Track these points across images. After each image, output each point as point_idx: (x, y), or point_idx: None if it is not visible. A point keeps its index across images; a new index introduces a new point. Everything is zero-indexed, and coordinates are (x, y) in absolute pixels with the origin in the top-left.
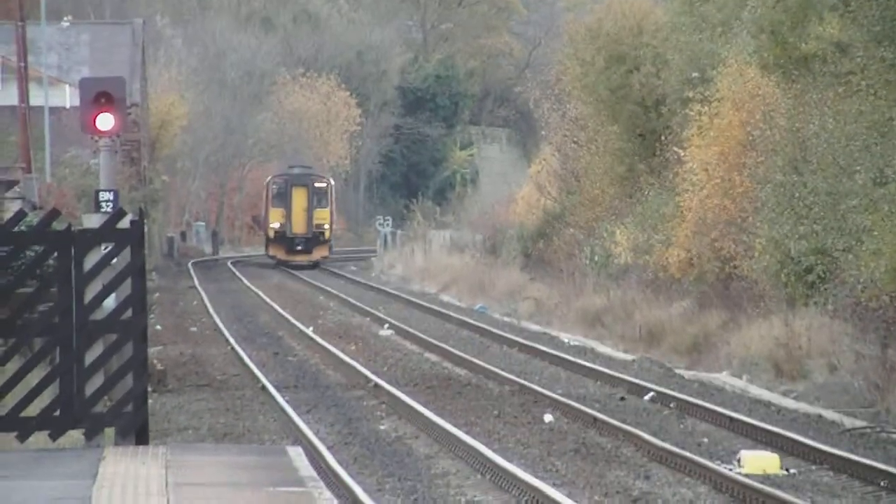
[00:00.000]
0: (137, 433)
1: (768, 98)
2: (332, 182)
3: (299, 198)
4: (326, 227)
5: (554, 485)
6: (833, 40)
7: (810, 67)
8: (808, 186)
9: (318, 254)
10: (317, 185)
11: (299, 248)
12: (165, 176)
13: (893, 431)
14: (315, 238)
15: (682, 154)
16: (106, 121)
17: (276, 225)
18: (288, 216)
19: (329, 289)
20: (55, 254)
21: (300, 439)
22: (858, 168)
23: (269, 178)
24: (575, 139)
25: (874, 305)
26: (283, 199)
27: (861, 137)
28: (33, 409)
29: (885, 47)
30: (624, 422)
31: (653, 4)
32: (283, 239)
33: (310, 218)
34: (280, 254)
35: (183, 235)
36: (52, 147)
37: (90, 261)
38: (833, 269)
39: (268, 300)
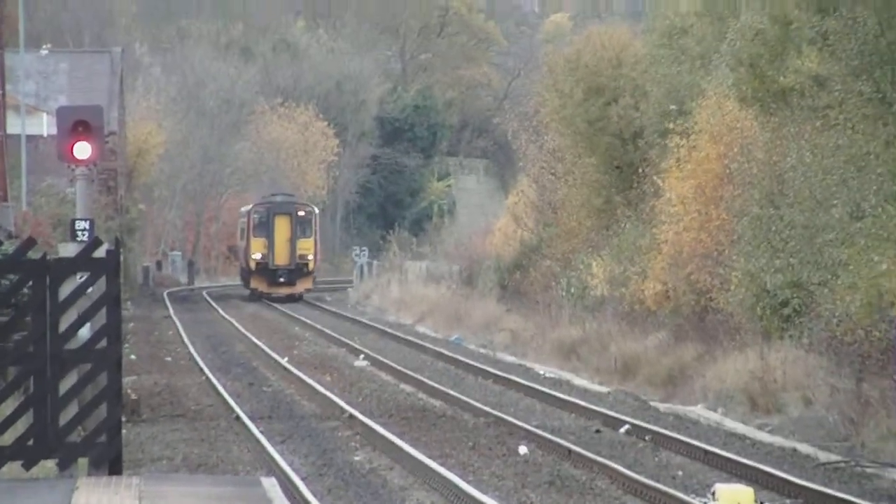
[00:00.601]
0: (111, 463)
1: (746, 131)
2: (317, 211)
3: (282, 227)
4: (310, 257)
5: None
6: (811, 74)
7: (788, 101)
8: (785, 220)
9: (302, 286)
10: (300, 213)
11: (282, 279)
12: (142, 205)
13: (868, 466)
14: (298, 269)
15: (660, 186)
16: (83, 149)
17: (257, 256)
18: (270, 246)
19: (304, 319)
20: (30, 283)
21: (274, 470)
22: (835, 202)
23: (250, 206)
24: (552, 171)
25: (849, 339)
26: (264, 228)
27: (838, 171)
28: (7, 439)
29: (862, 81)
30: (599, 454)
31: (632, 37)
32: (264, 270)
33: (293, 248)
34: (262, 286)
35: (159, 265)
36: (28, 175)
37: (65, 290)
38: (809, 303)
39: (243, 330)
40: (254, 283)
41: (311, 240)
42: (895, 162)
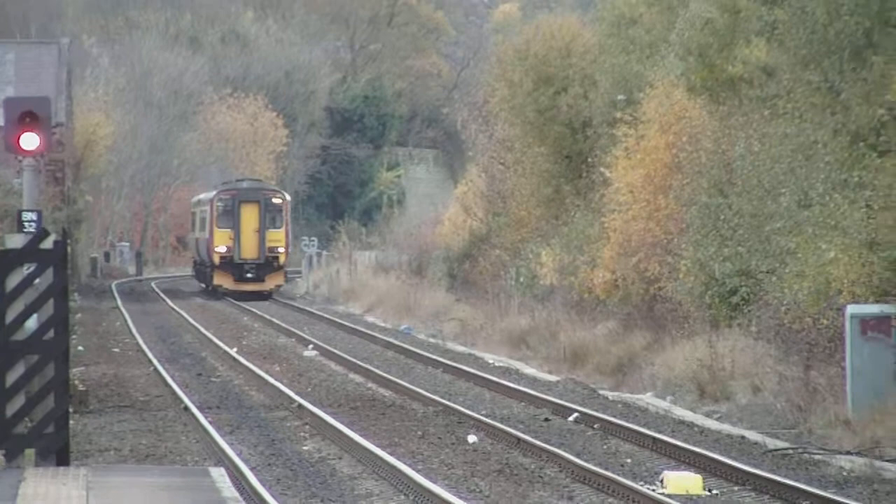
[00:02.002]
0: (58, 454)
1: (695, 120)
2: (288, 197)
3: (249, 217)
4: (281, 250)
5: None
6: (759, 63)
7: (737, 90)
8: (733, 208)
9: (272, 282)
10: (270, 201)
11: (249, 275)
12: (90, 196)
13: (815, 452)
14: (268, 264)
15: (609, 173)
16: (30, 140)
17: (221, 249)
18: (236, 238)
19: (253, 309)
20: None
21: (223, 460)
22: (783, 191)
23: (213, 193)
24: (502, 160)
25: (797, 327)
26: (230, 218)
27: (786, 160)
28: None
29: (810, 71)
30: (548, 442)
31: (581, 26)
32: (229, 265)
33: (262, 240)
34: (227, 283)
35: (107, 256)
36: None
37: (12, 281)
38: (757, 291)
39: (191, 320)
40: (217, 280)
41: (282, 231)
42: (843, 151)
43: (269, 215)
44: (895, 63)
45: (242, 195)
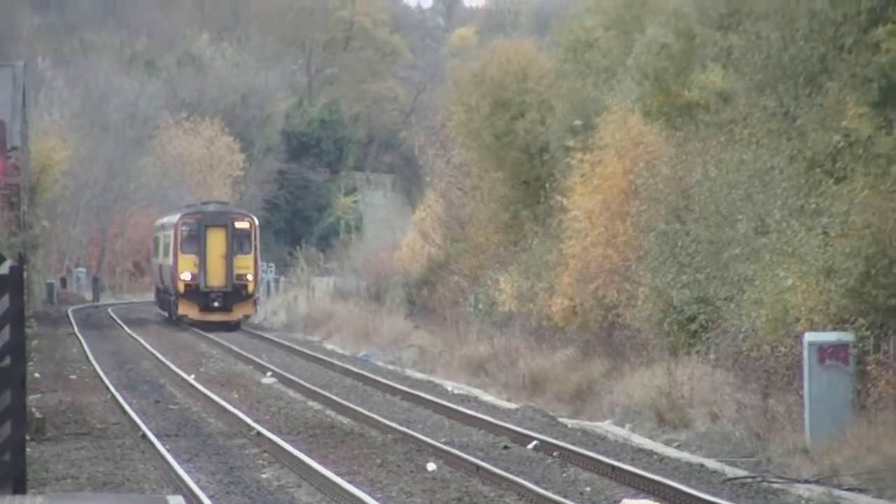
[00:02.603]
0: (15, 482)
1: (651, 146)
2: (257, 221)
3: (216, 242)
4: (250, 277)
5: None
6: (716, 89)
7: (693, 115)
8: (691, 235)
9: (240, 312)
10: (237, 225)
11: (216, 304)
12: (46, 221)
13: (774, 481)
14: (236, 292)
15: (566, 202)
16: None
17: (186, 276)
18: (202, 265)
19: (211, 336)
20: None
21: (181, 488)
22: (740, 217)
23: (177, 216)
24: (459, 186)
25: (755, 355)
26: (195, 242)
27: (743, 186)
28: None
29: (766, 96)
30: (507, 470)
31: (537, 51)
32: (195, 294)
33: (229, 267)
34: (192, 312)
35: (63, 282)
36: None
37: None
38: (715, 318)
39: (149, 347)
40: (182, 309)
41: (251, 257)
42: (799, 177)
43: (237, 240)
44: (850, 89)
45: (208, 219)
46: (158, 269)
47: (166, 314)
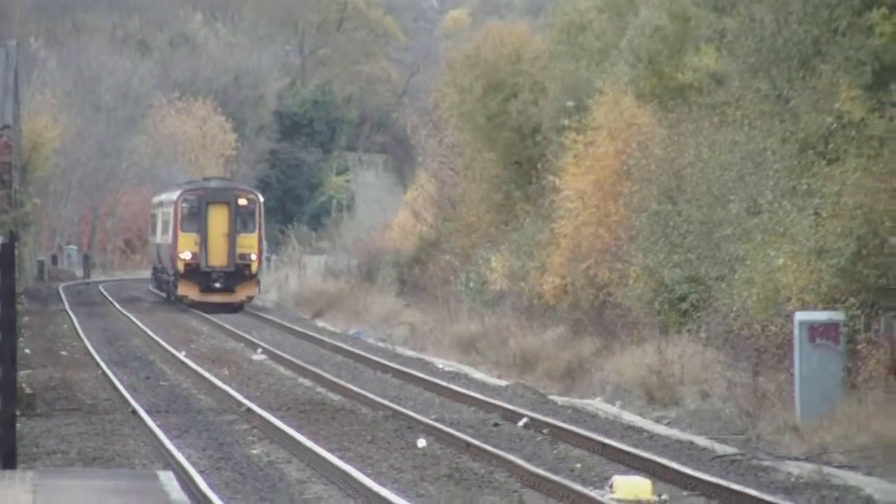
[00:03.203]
0: (5, 457)
1: (644, 127)
2: (261, 198)
3: (218, 219)
4: (253, 257)
5: None
6: (709, 71)
7: (686, 97)
8: (683, 215)
9: (243, 293)
10: (241, 201)
11: (217, 285)
12: (37, 199)
13: (764, 458)
14: (238, 272)
15: (558, 182)
16: None
17: (186, 255)
18: (203, 244)
19: (202, 313)
20: None
21: (171, 463)
22: (732, 198)
23: (177, 193)
24: (451, 166)
25: (746, 333)
26: (195, 220)
27: (735, 167)
28: None
29: (759, 78)
30: (497, 447)
31: (531, 33)
32: (195, 274)
33: (232, 246)
34: (192, 293)
35: (54, 259)
36: None
37: None
38: (706, 298)
39: (139, 324)
40: (182, 290)
41: (255, 235)
42: (791, 158)
43: (241, 218)
44: (843, 71)
45: (210, 195)
46: (156, 248)
47: (164, 295)
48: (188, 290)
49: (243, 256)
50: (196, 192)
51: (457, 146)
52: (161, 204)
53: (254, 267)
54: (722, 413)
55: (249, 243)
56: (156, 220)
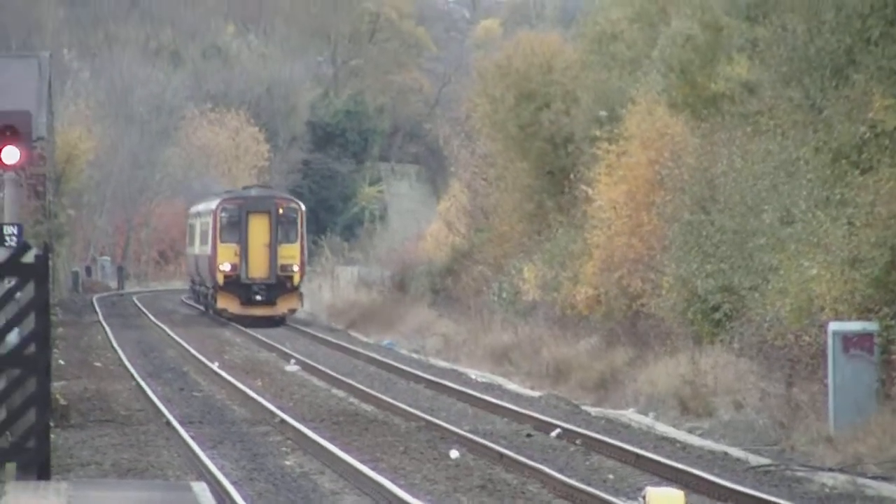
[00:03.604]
0: (39, 468)
1: (677, 137)
2: (303, 207)
3: (259, 229)
4: (296, 268)
5: None
6: (741, 80)
7: (719, 107)
8: (716, 225)
9: (285, 305)
10: (282, 210)
11: (259, 298)
12: (71, 210)
13: (798, 469)
14: (280, 284)
15: (590, 192)
16: (11, 154)
17: (226, 267)
18: (243, 255)
19: (235, 324)
20: None
21: (205, 474)
22: (765, 207)
23: (216, 202)
24: (484, 176)
25: (779, 344)
26: (236, 230)
27: (768, 177)
28: None
29: (792, 88)
30: (530, 458)
31: (562, 42)
32: (235, 286)
33: (273, 257)
34: (232, 306)
35: (88, 270)
36: None
37: None
38: (739, 308)
39: (173, 335)
40: (221, 303)
41: (297, 245)
42: (825, 168)
43: (282, 228)
44: (876, 81)
45: (251, 204)
46: (194, 259)
47: (202, 308)
48: (228, 304)
49: (285, 268)
50: (236, 200)
51: (489, 156)
52: (199, 214)
53: (296, 279)
54: (755, 424)
55: (291, 254)
56: (193, 231)
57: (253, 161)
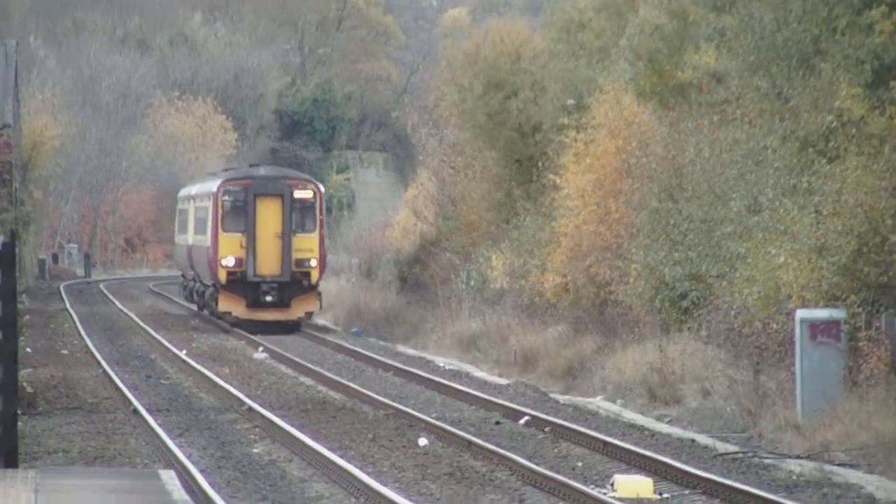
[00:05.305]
0: (6, 456)
1: (644, 125)
2: (321, 189)
3: (269, 216)
4: (313, 263)
5: None
6: (709, 69)
7: (686, 96)
8: (684, 213)
9: (301, 308)
10: (297, 193)
11: (269, 299)
12: (39, 193)
13: (765, 456)
14: (295, 283)
15: (558, 180)
16: None
17: (229, 262)
18: (250, 247)
19: (204, 313)
20: None
21: (173, 462)
22: (733, 196)
23: (216, 183)
24: (452, 164)
25: (747, 331)
26: (241, 217)
27: (736, 165)
28: None
29: (759, 77)
30: (499, 445)
31: (530, 31)
32: (241, 285)
33: (286, 249)
34: (237, 309)
35: (55, 258)
36: None
37: None
38: (707, 295)
39: (141, 323)
40: (224, 305)
41: (315, 235)
42: (792, 157)
43: (297, 214)
44: (843, 70)
45: (259, 186)
46: (187, 251)
47: (195, 308)
48: (232, 306)
49: (301, 262)
50: (241, 181)
51: (457, 145)
52: (193, 197)
53: (314, 276)
54: (723, 411)
55: (308, 246)
56: (186, 217)
57: (220, 149)
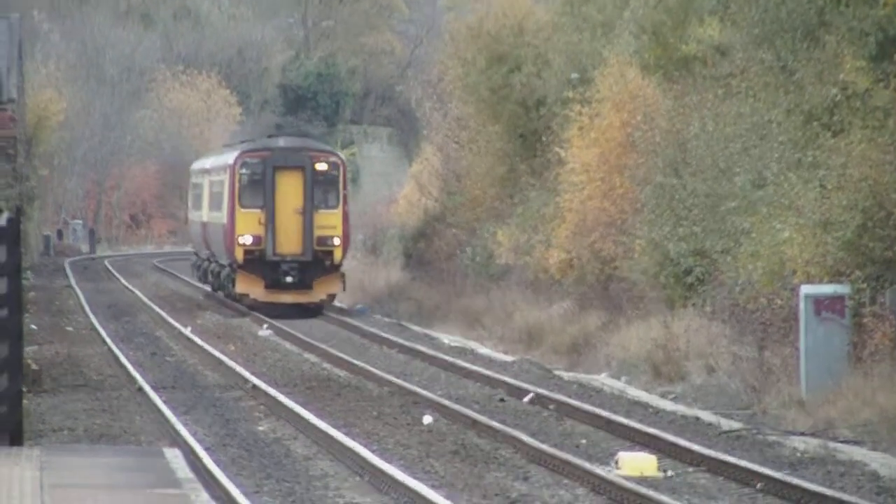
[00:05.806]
0: (11, 434)
1: (649, 99)
2: (344, 159)
3: (290, 190)
4: (337, 241)
5: (432, 486)
6: (713, 42)
7: (690, 69)
8: (688, 188)
9: (323, 290)
10: (320, 165)
11: (289, 279)
12: (44, 170)
13: (769, 433)
14: (317, 262)
15: (563, 155)
16: None
17: (246, 240)
18: (270, 224)
19: (208, 288)
20: None
21: (177, 440)
22: (737, 170)
23: (234, 154)
24: (456, 139)
25: (752, 307)
26: (259, 192)
27: (740, 139)
28: None
29: (763, 50)
30: (503, 423)
31: (534, 4)
32: (259, 264)
33: (308, 226)
34: (255, 291)
35: (59, 234)
36: None
37: None
38: (711, 271)
39: (145, 300)
40: (241, 286)
41: (338, 211)
42: (796, 130)
43: (320, 188)
44: (847, 42)
45: (279, 158)
46: (200, 228)
47: (209, 289)
48: (249, 287)
49: (323, 241)
50: (259, 153)
51: (461, 119)
52: (208, 171)
53: (337, 255)
54: (727, 388)
55: (331, 223)
56: (200, 192)
57: (225, 124)
